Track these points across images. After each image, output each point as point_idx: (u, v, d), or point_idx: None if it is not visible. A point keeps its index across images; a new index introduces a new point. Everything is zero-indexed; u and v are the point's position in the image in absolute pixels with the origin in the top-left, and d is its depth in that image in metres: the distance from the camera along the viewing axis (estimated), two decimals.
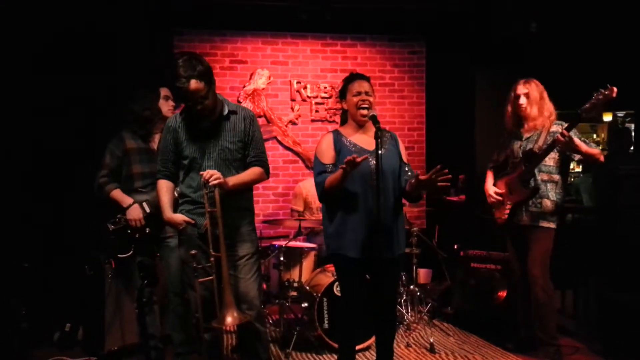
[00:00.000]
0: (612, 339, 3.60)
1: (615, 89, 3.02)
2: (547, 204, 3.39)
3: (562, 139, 3.15)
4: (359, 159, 2.51)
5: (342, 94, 2.87)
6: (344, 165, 2.53)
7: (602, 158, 3.31)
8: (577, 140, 3.23)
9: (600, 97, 3.05)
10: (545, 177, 3.42)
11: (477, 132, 5.32)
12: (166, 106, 3.40)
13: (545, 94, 3.45)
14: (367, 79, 2.86)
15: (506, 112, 3.57)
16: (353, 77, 2.86)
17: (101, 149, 3.33)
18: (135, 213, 3.20)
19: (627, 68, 4.75)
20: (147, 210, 3.23)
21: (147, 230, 3.23)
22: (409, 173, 2.83)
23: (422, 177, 2.61)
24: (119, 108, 3.46)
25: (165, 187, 2.82)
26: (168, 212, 2.77)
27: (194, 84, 2.60)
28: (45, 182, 4.32)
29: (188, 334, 3.22)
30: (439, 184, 2.57)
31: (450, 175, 2.57)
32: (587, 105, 3.09)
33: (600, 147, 5.21)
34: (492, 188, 3.63)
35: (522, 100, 3.44)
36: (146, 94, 3.37)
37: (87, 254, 3.78)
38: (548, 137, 3.36)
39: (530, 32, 4.97)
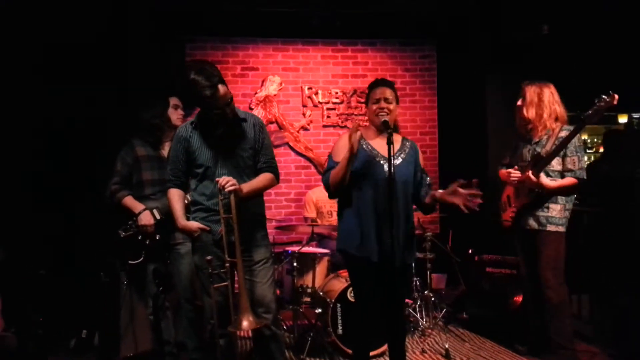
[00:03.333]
0: (629, 345, 3.55)
1: (616, 97, 2.99)
2: (556, 208, 3.37)
3: (532, 178, 3.25)
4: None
5: (366, 100, 2.91)
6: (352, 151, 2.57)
7: (575, 184, 3.29)
8: (544, 181, 3.27)
9: (601, 104, 3.03)
10: None
11: (489, 135, 5.29)
12: (175, 115, 3.44)
13: (545, 97, 3.38)
14: (390, 84, 2.85)
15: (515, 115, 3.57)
16: (376, 84, 2.87)
17: (113, 157, 3.37)
18: (146, 219, 3.23)
19: None
20: (158, 216, 3.26)
21: (157, 236, 3.26)
22: (428, 186, 2.86)
23: (456, 188, 2.61)
24: (130, 116, 3.50)
25: (177, 196, 2.84)
26: (182, 220, 2.78)
27: (222, 89, 2.66)
28: (60, 190, 4.36)
29: (201, 340, 3.23)
30: (468, 202, 2.55)
31: (481, 193, 2.54)
32: (589, 112, 3.08)
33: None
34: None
35: (519, 102, 3.46)
36: (156, 102, 3.41)
37: (103, 261, 3.82)
38: (556, 141, 3.32)
39: (541, 34, 4.95)
